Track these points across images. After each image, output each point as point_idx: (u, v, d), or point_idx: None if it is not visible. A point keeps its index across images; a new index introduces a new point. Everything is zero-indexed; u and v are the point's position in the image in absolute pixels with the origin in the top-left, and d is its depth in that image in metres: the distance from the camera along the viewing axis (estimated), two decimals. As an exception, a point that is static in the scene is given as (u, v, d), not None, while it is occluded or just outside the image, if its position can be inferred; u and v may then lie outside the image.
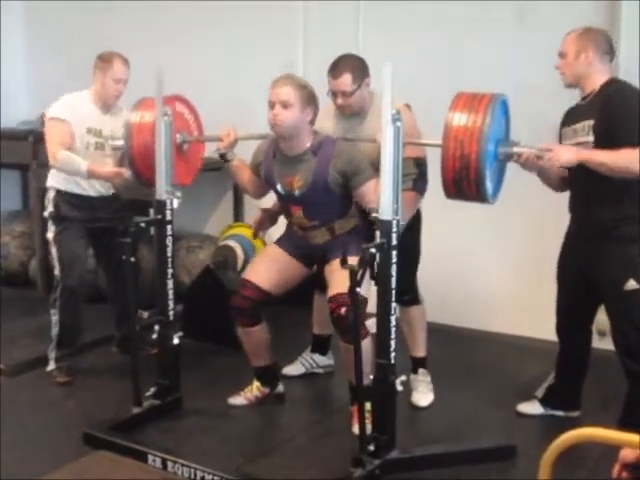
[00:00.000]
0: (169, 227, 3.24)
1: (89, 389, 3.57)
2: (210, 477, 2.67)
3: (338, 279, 2.88)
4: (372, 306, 2.79)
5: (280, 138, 3.06)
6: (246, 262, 4.30)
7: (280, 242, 3.31)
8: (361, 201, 3.03)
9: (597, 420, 2.88)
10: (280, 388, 3.44)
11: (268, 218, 3.48)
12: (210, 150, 3.54)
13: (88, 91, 3.64)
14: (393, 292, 2.67)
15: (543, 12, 3.94)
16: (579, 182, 2.81)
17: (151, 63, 3.14)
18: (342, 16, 4.46)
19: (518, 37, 4.04)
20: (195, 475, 2.70)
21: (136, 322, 3.18)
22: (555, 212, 3.12)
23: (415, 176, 3.12)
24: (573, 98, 2.94)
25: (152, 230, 3.23)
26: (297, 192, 3.08)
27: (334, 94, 3.16)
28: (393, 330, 2.70)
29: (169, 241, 3.24)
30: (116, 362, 3.86)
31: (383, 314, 2.69)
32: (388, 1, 4.29)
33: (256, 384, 3.39)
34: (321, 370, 3.75)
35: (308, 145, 3.04)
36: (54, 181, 3.64)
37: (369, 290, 2.88)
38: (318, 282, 3.38)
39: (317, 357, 3.75)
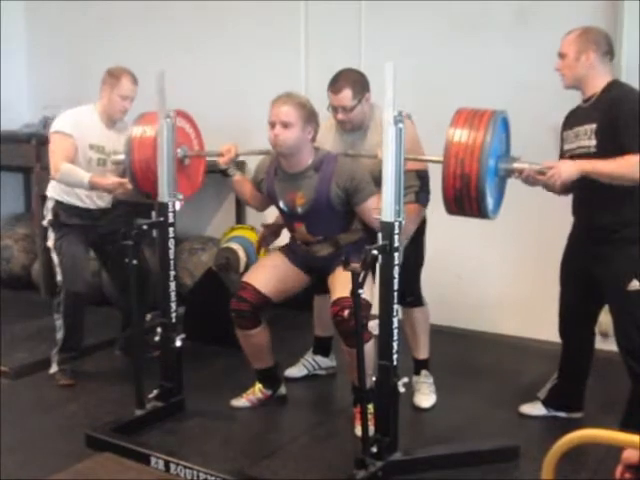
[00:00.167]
0: (171, 229, 3.24)
1: (91, 391, 3.57)
2: (213, 479, 2.67)
3: (341, 284, 2.88)
4: (375, 308, 2.79)
5: (281, 156, 3.07)
6: (248, 264, 4.30)
7: (283, 250, 3.31)
8: (363, 217, 3.04)
9: (600, 421, 2.90)
10: (282, 390, 3.44)
11: (271, 233, 3.50)
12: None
13: (94, 105, 3.64)
14: (395, 294, 2.67)
15: (543, 12, 3.94)
16: (582, 186, 2.81)
17: (152, 69, 3.15)
18: (344, 16, 4.46)
19: (518, 37, 4.04)
20: (198, 477, 2.70)
21: (139, 324, 3.18)
22: (557, 213, 3.12)
23: (417, 188, 3.12)
24: (573, 98, 2.93)
25: (154, 232, 3.24)
26: (300, 209, 3.09)
27: (334, 109, 3.15)
28: (395, 332, 2.69)
29: (171, 243, 3.25)
30: (118, 364, 3.87)
31: (385, 316, 2.69)
32: (390, 1, 4.29)
33: (258, 386, 3.39)
34: (323, 372, 3.75)
35: (310, 162, 3.05)
36: (54, 192, 3.65)
37: (373, 294, 2.88)
38: (318, 285, 3.39)
39: (319, 359, 3.75)
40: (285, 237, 3.42)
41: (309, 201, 3.05)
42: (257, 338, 3.23)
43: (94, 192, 3.57)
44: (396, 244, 2.62)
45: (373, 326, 2.92)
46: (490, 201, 2.53)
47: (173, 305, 3.28)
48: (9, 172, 5.46)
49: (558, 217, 3.12)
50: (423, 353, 3.47)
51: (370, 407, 2.78)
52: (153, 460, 2.80)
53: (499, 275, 4.31)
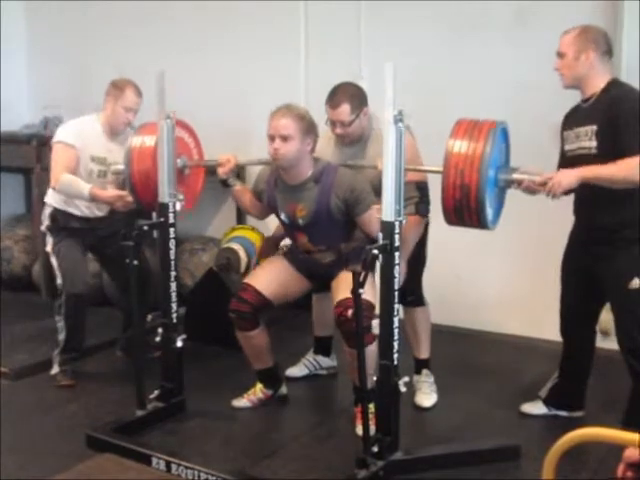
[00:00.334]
0: (172, 230, 3.24)
1: (92, 392, 3.57)
2: (214, 479, 2.68)
3: (344, 286, 2.88)
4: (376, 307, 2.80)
5: (281, 169, 3.07)
6: (249, 264, 4.29)
7: (286, 255, 3.32)
8: (363, 229, 3.05)
9: (601, 420, 2.90)
10: (283, 390, 3.44)
11: (271, 246, 3.51)
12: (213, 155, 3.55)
13: (97, 115, 3.63)
14: (396, 293, 2.67)
15: (543, 12, 3.93)
16: (583, 186, 2.81)
17: (152, 69, 3.15)
18: (344, 16, 4.46)
19: (518, 37, 4.04)
20: (199, 477, 2.70)
21: (140, 325, 3.19)
22: (557, 213, 3.11)
23: (417, 199, 3.13)
24: (573, 98, 2.93)
25: (155, 233, 3.24)
26: (301, 221, 3.10)
27: (333, 123, 3.15)
28: (396, 331, 2.70)
29: (172, 244, 3.25)
30: (119, 365, 3.87)
31: (386, 315, 2.69)
32: (390, 1, 4.29)
33: (259, 386, 3.39)
34: (324, 371, 3.75)
35: (309, 174, 3.05)
36: (53, 200, 3.65)
37: (376, 296, 2.88)
38: (317, 286, 3.39)
39: (320, 358, 3.75)
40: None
41: (310, 213, 3.05)
42: (256, 339, 3.24)
43: (94, 203, 3.57)
44: (396, 243, 2.63)
45: (375, 325, 2.91)
46: (490, 212, 2.55)
47: (174, 305, 3.28)
48: (9, 173, 5.45)
49: (558, 217, 3.12)
50: (424, 352, 3.47)
51: (371, 407, 2.79)
52: (154, 460, 2.80)
53: (499, 275, 4.31)
